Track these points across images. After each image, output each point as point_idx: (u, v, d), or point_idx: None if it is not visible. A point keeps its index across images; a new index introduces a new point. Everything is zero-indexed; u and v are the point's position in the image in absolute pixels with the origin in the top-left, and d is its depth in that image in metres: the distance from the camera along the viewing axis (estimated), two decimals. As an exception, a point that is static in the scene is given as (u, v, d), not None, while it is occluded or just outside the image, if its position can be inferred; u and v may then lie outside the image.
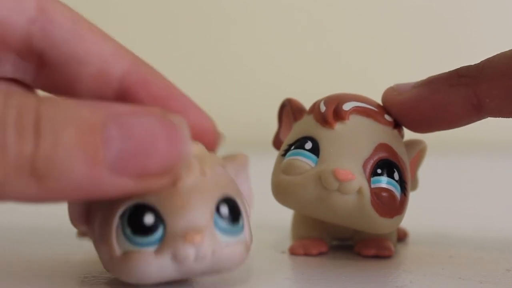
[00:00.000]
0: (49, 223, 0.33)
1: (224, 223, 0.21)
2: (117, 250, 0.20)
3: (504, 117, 0.25)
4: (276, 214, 0.30)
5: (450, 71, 0.26)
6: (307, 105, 0.27)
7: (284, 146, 0.27)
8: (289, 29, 0.90)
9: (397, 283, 0.23)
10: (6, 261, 0.26)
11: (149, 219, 0.20)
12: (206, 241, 0.20)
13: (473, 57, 0.26)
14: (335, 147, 0.25)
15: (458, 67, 0.26)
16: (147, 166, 0.19)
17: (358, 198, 0.24)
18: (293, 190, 0.25)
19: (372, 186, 0.25)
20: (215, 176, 0.21)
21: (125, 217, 0.20)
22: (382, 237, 0.27)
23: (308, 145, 0.25)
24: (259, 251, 0.28)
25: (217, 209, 0.21)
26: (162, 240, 0.20)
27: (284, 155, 0.26)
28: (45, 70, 0.22)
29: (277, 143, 0.28)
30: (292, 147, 0.26)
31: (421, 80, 0.26)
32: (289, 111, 0.28)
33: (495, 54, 0.25)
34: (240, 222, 0.21)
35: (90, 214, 0.22)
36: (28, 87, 0.23)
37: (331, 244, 0.28)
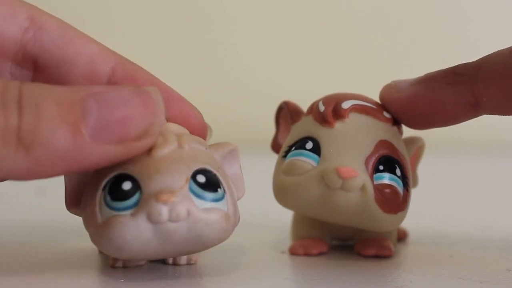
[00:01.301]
0: (49, 223, 0.33)
1: (200, 189, 0.22)
2: (99, 219, 0.22)
3: (501, 115, 0.25)
4: (276, 214, 0.30)
5: (447, 68, 0.26)
6: (307, 105, 0.27)
7: (284, 148, 0.27)
8: (289, 29, 0.90)
9: (397, 283, 0.23)
10: (6, 261, 0.26)
11: (126, 185, 0.21)
12: (179, 201, 0.21)
13: (473, 55, 0.26)
14: (336, 145, 0.25)
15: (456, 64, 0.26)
16: (125, 131, 0.20)
17: (362, 195, 0.24)
18: (295, 191, 0.25)
19: (375, 182, 0.25)
20: (193, 150, 0.22)
21: (107, 187, 0.22)
22: (382, 236, 0.27)
23: (309, 145, 0.26)
24: (259, 251, 0.28)
25: (194, 177, 0.22)
26: (138, 203, 0.21)
27: (284, 156, 0.26)
28: (40, 75, 0.24)
29: (275, 146, 0.28)
30: (293, 148, 0.26)
31: (418, 77, 0.26)
32: (287, 113, 0.28)
33: (492, 52, 0.25)
34: (219, 192, 0.22)
35: (81, 198, 0.23)
36: None
37: (331, 244, 0.28)
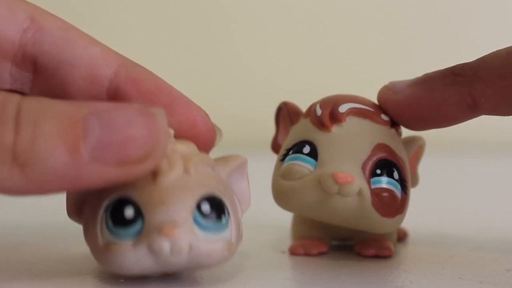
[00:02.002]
0: (49, 223, 0.33)
1: (204, 220, 0.21)
2: (100, 241, 0.21)
3: (499, 116, 0.25)
4: (276, 214, 0.30)
5: (446, 69, 0.26)
6: (307, 104, 0.27)
7: (282, 151, 0.27)
8: (289, 28, 0.90)
9: (397, 283, 0.23)
10: (6, 261, 0.26)
11: (129, 212, 0.21)
12: (182, 235, 0.20)
13: (473, 55, 0.26)
14: (333, 150, 0.25)
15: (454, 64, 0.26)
16: (126, 153, 0.19)
17: (359, 200, 0.24)
18: (293, 195, 0.25)
19: (372, 187, 0.25)
20: (199, 174, 0.22)
21: (109, 210, 0.21)
22: (382, 237, 0.27)
23: (306, 149, 0.25)
24: (259, 251, 0.28)
25: (198, 206, 0.21)
26: (140, 233, 0.21)
27: (282, 160, 0.26)
28: (40, 77, 0.23)
29: (275, 147, 0.28)
30: (290, 152, 0.26)
31: (416, 78, 0.26)
32: (286, 114, 0.28)
33: (490, 52, 0.25)
34: (223, 220, 0.22)
35: (83, 207, 0.23)
36: None
37: (331, 244, 0.28)
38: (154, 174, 0.21)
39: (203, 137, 0.24)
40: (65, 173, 0.19)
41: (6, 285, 0.22)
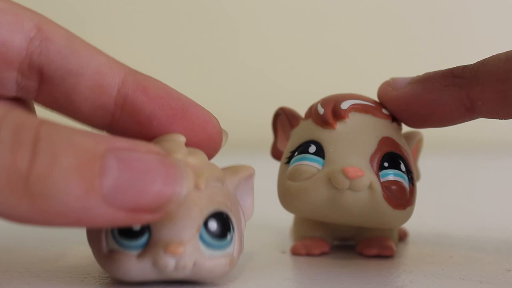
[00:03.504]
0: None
1: (210, 238, 0.21)
2: (105, 248, 0.21)
3: (496, 119, 0.25)
4: (276, 214, 0.30)
5: (446, 70, 0.26)
6: (308, 104, 0.27)
7: (286, 154, 0.27)
8: (290, 29, 0.90)
9: (397, 283, 0.23)
10: (6, 261, 0.26)
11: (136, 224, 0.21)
12: (187, 253, 0.21)
13: (473, 54, 0.26)
14: (340, 146, 0.25)
15: (455, 66, 0.26)
16: (141, 202, 0.19)
17: (370, 193, 0.24)
18: (303, 196, 0.25)
19: (381, 180, 0.25)
20: (209, 190, 0.22)
21: None
22: (383, 236, 0.27)
23: (312, 148, 0.26)
24: (260, 251, 0.28)
25: (206, 223, 0.21)
26: (145, 246, 0.21)
27: (288, 162, 0.26)
28: (45, 86, 0.23)
29: (275, 153, 0.28)
30: (296, 153, 0.26)
31: (417, 76, 0.26)
32: (284, 119, 0.28)
33: (490, 56, 0.25)
34: (228, 237, 0.22)
35: None
36: (30, 109, 0.24)
37: (332, 244, 0.28)
38: None
39: (212, 140, 0.24)
40: (75, 211, 0.18)
41: (6, 285, 0.22)
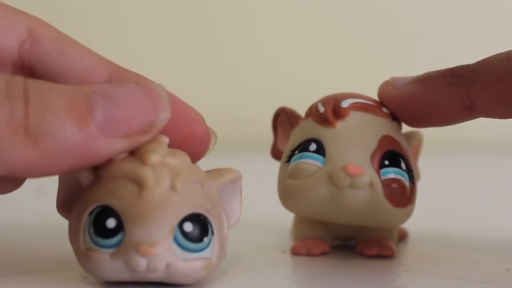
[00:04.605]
0: (49, 223, 0.33)
1: (185, 240, 0.21)
2: (82, 245, 0.22)
3: (496, 118, 0.25)
4: (276, 214, 0.30)
5: (446, 69, 0.26)
6: (308, 104, 0.27)
7: (286, 153, 0.27)
8: (289, 29, 0.90)
9: (397, 283, 0.23)
10: (6, 261, 0.26)
11: (111, 223, 0.21)
12: (159, 254, 0.21)
13: (473, 55, 0.26)
14: (340, 145, 0.25)
15: (455, 65, 0.26)
16: (131, 125, 0.21)
17: (371, 191, 0.24)
18: (304, 194, 0.25)
19: (382, 178, 0.25)
20: (186, 191, 0.22)
21: (92, 216, 0.21)
22: (383, 236, 0.27)
23: (313, 147, 0.26)
24: (260, 251, 0.28)
25: (181, 225, 0.21)
26: (119, 246, 0.21)
27: (288, 161, 0.26)
28: None
29: (275, 153, 0.28)
30: (296, 152, 0.26)
31: (416, 76, 0.26)
32: (285, 119, 0.28)
33: (490, 55, 0.25)
34: (205, 240, 0.22)
35: (72, 205, 0.23)
36: None
37: (332, 244, 0.28)
38: (140, 187, 0.21)
39: (199, 138, 0.24)
40: (76, 147, 0.20)
41: (6, 285, 0.22)
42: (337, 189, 0.24)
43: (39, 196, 0.40)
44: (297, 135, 0.27)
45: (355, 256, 0.27)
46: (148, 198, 0.21)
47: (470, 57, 0.26)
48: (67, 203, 0.23)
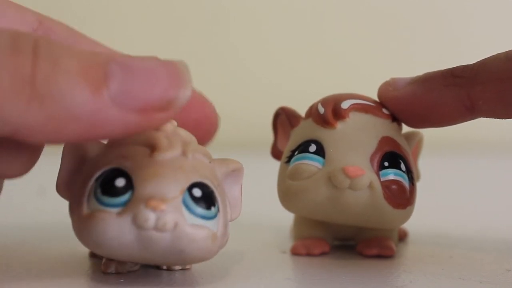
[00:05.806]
0: (49, 223, 0.33)
1: (193, 204, 0.21)
2: (85, 210, 0.21)
3: (496, 118, 0.25)
4: (276, 214, 0.30)
5: (446, 69, 0.26)
6: (308, 104, 0.27)
7: (286, 153, 0.27)
8: (289, 29, 0.90)
9: (397, 283, 0.23)
10: (6, 261, 0.26)
11: (120, 182, 0.21)
12: (169, 211, 0.20)
13: (473, 55, 0.26)
14: (340, 146, 0.25)
15: (455, 66, 0.26)
16: (148, 99, 0.19)
17: (370, 193, 0.24)
18: (303, 195, 0.25)
19: (382, 179, 0.25)
20: (196, 161, 0.22)
21: (100, 179, 0.21)
22: (383, 236, 0.27)
23: (312, 147, 0.26)
24: (260, 251, 0.28)
25: (190, 190, 0.21)
26: (127, 203, 0.20)
27: (288, 161, 0.26)
28: None
29: (275, 153, 0.28)
30: (296, 152, 0.26)
31: (417, 76, 0.26)
32: (285, 119, 0.28)
33: (490, 55, 0.25)
34: (213, 210, 0.21)
35: (74, 181, 0.22)
36: None
37: (332, 244, 0.28)
38: (152, 149, 0.21)
39: (208, 123, 0.24)
40: (86, 114, 0.18)
41: (6, 285, 0.22)
42: (336, 191, 0.24)
43: (40, 197, 0.40)
44: (297, 135, 0.27)
45: (355, 256, 0.27)
46: (160, 159, 0.21)
47: (470, 57, 0.26)
48: (68, 180, 0.22)
